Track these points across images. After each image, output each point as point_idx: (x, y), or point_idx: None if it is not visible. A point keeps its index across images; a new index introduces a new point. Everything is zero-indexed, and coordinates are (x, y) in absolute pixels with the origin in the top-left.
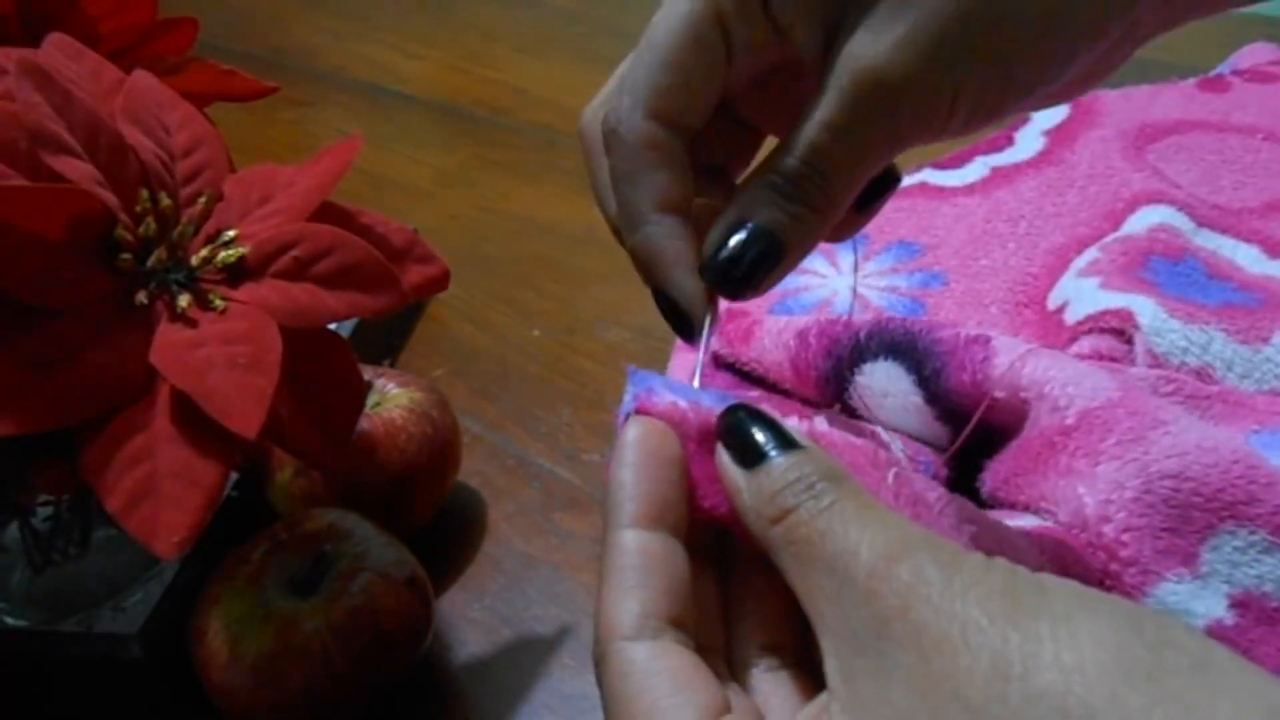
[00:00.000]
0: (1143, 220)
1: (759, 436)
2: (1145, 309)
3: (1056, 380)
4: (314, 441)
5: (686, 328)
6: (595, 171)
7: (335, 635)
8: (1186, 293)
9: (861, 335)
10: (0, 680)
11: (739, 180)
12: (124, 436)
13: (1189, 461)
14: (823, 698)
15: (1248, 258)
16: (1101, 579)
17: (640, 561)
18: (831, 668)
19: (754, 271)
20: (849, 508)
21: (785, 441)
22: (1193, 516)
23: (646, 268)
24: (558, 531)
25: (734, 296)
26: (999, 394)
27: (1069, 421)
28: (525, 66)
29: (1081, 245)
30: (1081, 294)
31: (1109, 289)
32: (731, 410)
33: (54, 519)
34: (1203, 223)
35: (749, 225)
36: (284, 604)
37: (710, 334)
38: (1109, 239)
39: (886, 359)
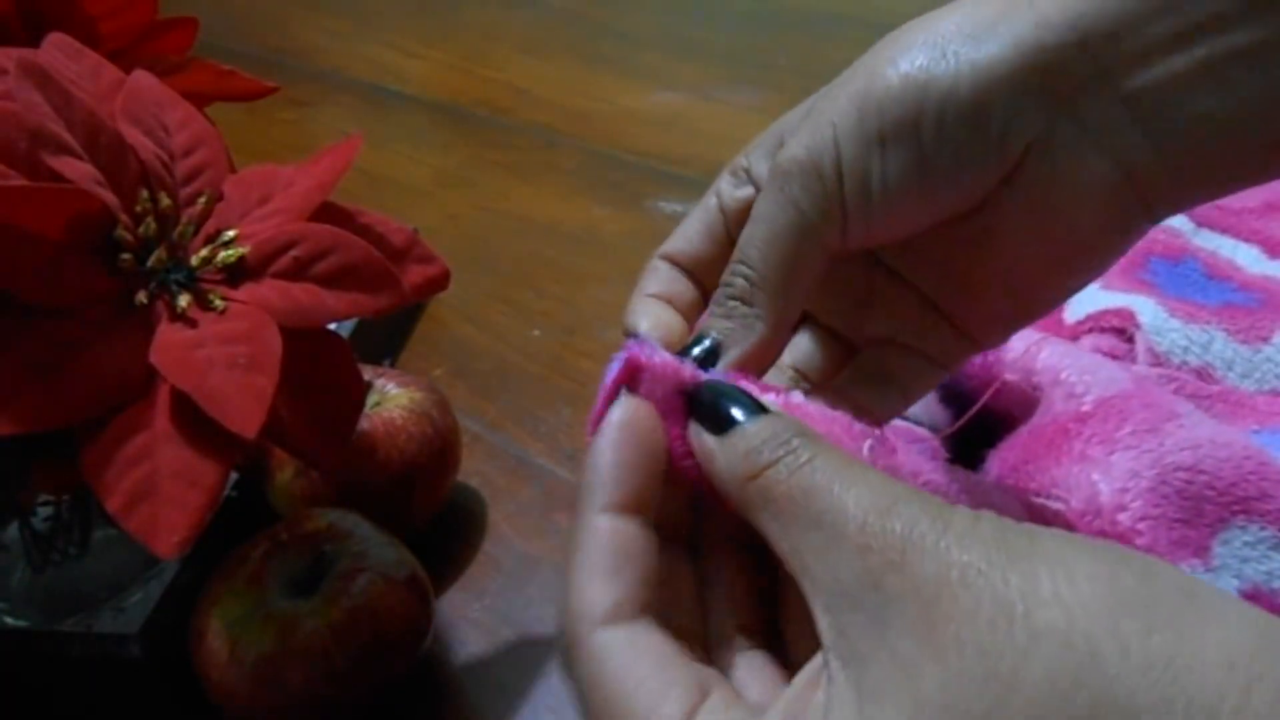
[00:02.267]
0: None
1: (730, 406)
2: (1146, 308)
3: (1073, 368)
4: (314, 441)
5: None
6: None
7: (335, 635)
8: (1186, 293)
9: None
10: (0, 680)
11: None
12: (124, 436)
13: (1202, 455)
14: (816, 661)
15: (1247, 258)
16: None
17: (614, 544)
18: (825, 625)
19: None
20: (830, 464)
21: (757, 408)
22: (1205, 509)
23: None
24: (558, 531)
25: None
26: (1010, 376)
27: (1085, 409)
28: (525, 66)
29: None
30: (1081, 293)
31: (1109, 289)
32: (702, 385)
33: (54, 519)
34: (1202, 223)
35: (699, 334)
36: (284, 604)
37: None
38: None
39: None
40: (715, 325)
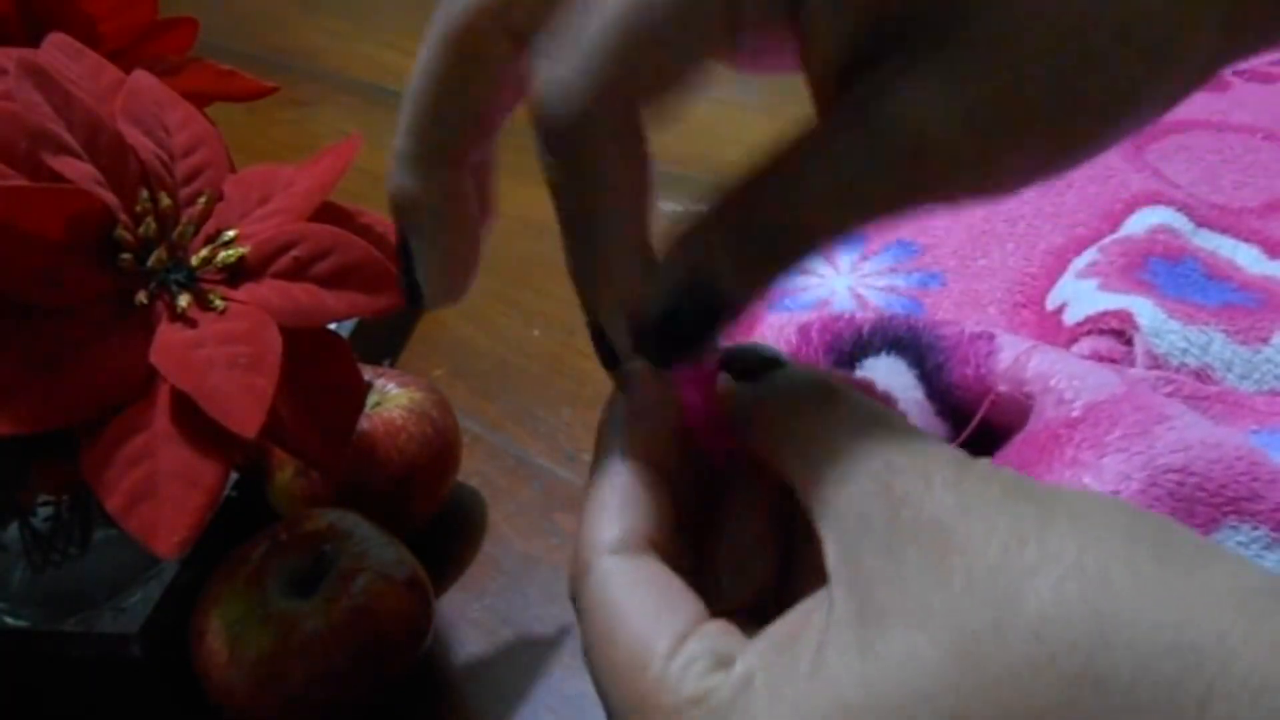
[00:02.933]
0: (1142, 221)
1: (758, 354)
2: (1145, 310)
3: (1062, 374)
4: (314, 441)
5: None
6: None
7: (335, 635)
8: (1186, 294)
9: (864, 330)
10: (0, 680)
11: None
12: (124, 436)
13: (1193, 456)
14: (818, 593)
15: (1247, 258)
16: None
17: (627, 487)
18: (832, 553)
19: (693, 340)
20: (863, 410)
21: (783, 363)
22: (1196, 510)
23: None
24: (558, 531)
25: (666, 365)
26: (1002, 388)
27: (1075, 414)
28: None
29: (1080, 246)
30: (1080, 295)
31: (1108, 290)
32: (733, 346)
33: (54, 519)
34: (1202, 223)
35: (702, 288)
36: (284, 604)
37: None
38: (1108, 240)
39: (889, 354)
40: (725, 274)
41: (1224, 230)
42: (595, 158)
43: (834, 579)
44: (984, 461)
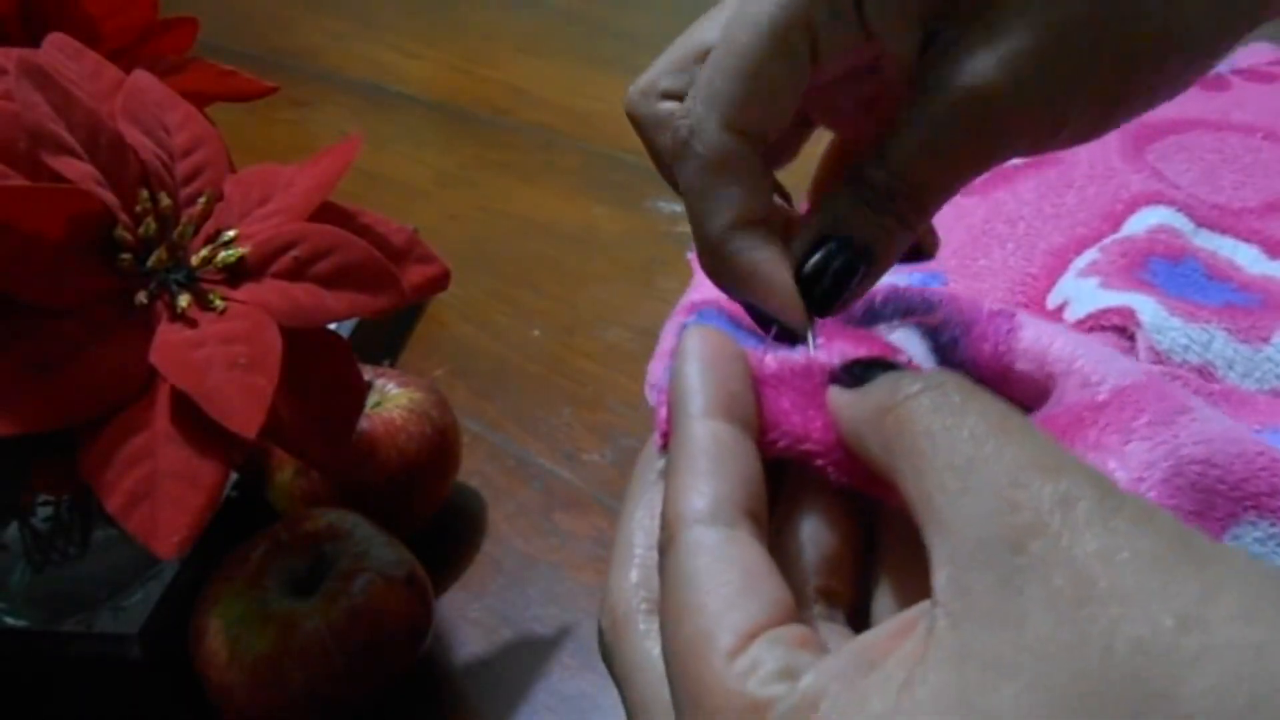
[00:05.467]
0: (1142, 221)
1: (875, 366)
2: (1146, 307)
3: (1087, 357)
4: (314, 441)
5: (790, 338)
6: (659, 155)
7: (335, 635)
8: (1186, 294)
9: (876, 300)
10: (0, 680)
11: (810, 190)
12: (124, 436)
13: (1215, 449)
14: (910, 612)
15: (1247, 258)
16: None
17: (713, 449)
18: (943, 577)
19: (841, 285)
20: (988, 411)
21: (899, 366)
22: (1216, 503)
23: (737, 286)
24: (558, 531)
25: (822, 312)
26: (1021, 366)
27: (1101, 397)
28: (525, 66)
29: (1081, 246)
30: (1081, 293)
31: (1109, 288)
32: (847, 363)
33: (54, 519)
34: (1202, 223)
35: (839, 239)
36: (284, 604)
37: (815, 338)
38: (1108, 240)
39: (902, 324)
40: (863, 230)
41: (1224, 230)
42: (726, 169)
43: (940, 605)
44: (1132, 497)
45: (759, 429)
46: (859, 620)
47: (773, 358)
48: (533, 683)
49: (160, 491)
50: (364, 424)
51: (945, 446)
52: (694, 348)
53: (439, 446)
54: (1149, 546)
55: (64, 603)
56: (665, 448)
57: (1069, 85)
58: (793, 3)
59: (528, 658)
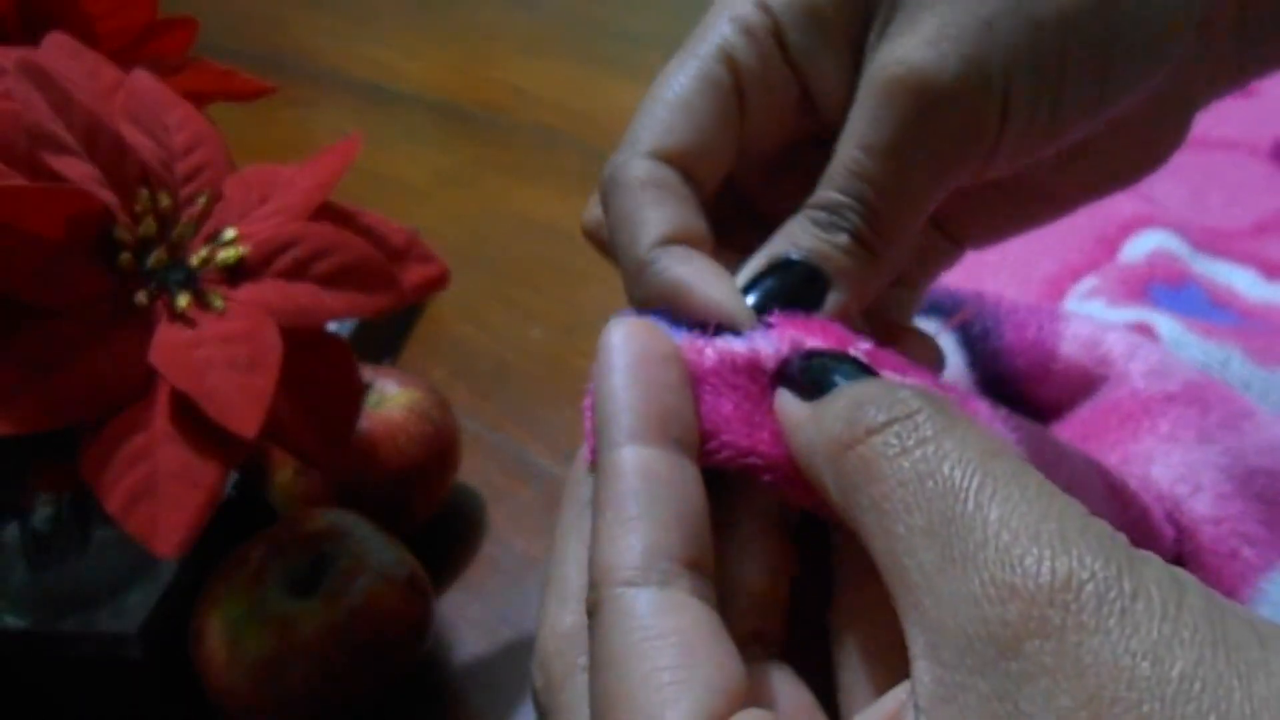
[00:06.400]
0: (1139, 247)
1: (831, 367)
2: (1163, 322)
3: (1149, 348)
4: (314, 441)
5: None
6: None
7: (335, 635)
8: (1194, 317)
9: None
10: (0, 680)
11: None
12: (124, 436)
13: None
14: (889, 703)
15: (1245, 281)
16: (1177, 555)
17: (643, 487)
18: (925, 674)
19: (793, 308)
20: (968, 450)
21: (863, 371)
22: (1276, 516)
23: (666, 301)
24: None
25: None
26: (1068, 350)
27: (1172, 389)
28: (525, 66)
29: (1076, 273)
30: (1089, 313)
31: (1117, 306)
32: (799, 356)
33: (54, 519)
34: (1198, 245)
35: (785, 261)
36: (283, 604)
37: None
38: (1106, 267)
39: (924, 315)
40: (812, 249)
41: (1220, 253)
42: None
43: (922, 713)
44: (1154, 565)
45: (697, 438)
46: (795, 656)
47: (712, 349)
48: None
49: (160, 491)
50: (364, 424)
51: (919, 503)
52: (618, 348)
53: (439, 446)
54: (1178, 652)
55: (64, 603)
56: (595, 464)
57: (1003, 62)
58: (718, 35)
59: (528, 658)
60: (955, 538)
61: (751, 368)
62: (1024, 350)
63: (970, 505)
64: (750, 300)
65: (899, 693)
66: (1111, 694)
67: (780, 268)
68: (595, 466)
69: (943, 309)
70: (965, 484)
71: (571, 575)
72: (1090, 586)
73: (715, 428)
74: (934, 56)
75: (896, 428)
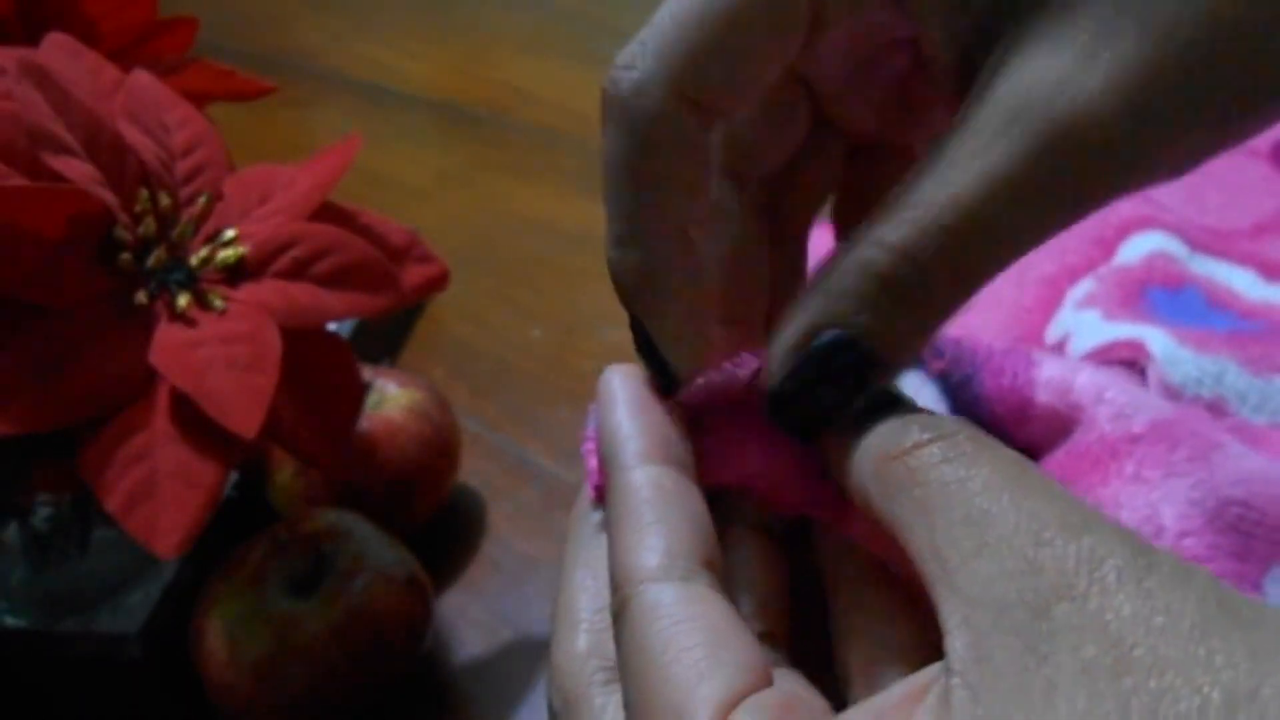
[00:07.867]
0: (1136, 248)
1: (876, 405)
2: (1156, 339)
3: (1117, 389)
4: (314, 441)
5: (665, 378)
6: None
7: (335, 635)
8: (1190, 323)
9: None
10: (0, 680)
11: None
12: (124, 436)
13: (1254, 491)
14: (920, 677)
15: (1244, 282)
16: None
17: (656, 496)
18: (960, 643)
19: (833, 403)
20: (1003, 462)
21: (903, 403)
22: (1253, 547)
23: (634, 290)
24: (558, 531)
25: (800, 436)
26: (1043, 398)
27: (1138, 430)
28: (525, 66)
29: (1073, 275)
30: (1083, 327)
31: (1113, 320)
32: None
33: (54, 519)
34: (1196, 246)
35: (836, 337)
36: (284, 604)
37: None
38: (1104, 269)
39: (907, 371)
40: (855, 317)
41: (1218, 254)
42: (660, 152)
43: (955, 675)
44: (1165, 554)
45: (694, 461)
46: (799, 658)
47: (702, 382)
48: (533, 683)
49: (160, 491)
50: (364, 424)
51: (959, 500)
52: (618, 388)
53: (439, 447)
54: (1189, 610)
55: (64, 603)
56: (600, 499)
57: (1193, 113)
58: None
59: (528, 658)
60: (991, 526)
61: (740, 395)
62: (1001, 398)
63: (1005, 500)
64: (782, 388)
65: (921, 676)
66: (1132, 639)
67: (822, 336)
68: (603, 495)
69: (922, 357)
70: (1001, 486)
71: (581, 603)
72: (1111, 561)
73: (711, 449)
74: (1114, 106)
75: (940, 443)
